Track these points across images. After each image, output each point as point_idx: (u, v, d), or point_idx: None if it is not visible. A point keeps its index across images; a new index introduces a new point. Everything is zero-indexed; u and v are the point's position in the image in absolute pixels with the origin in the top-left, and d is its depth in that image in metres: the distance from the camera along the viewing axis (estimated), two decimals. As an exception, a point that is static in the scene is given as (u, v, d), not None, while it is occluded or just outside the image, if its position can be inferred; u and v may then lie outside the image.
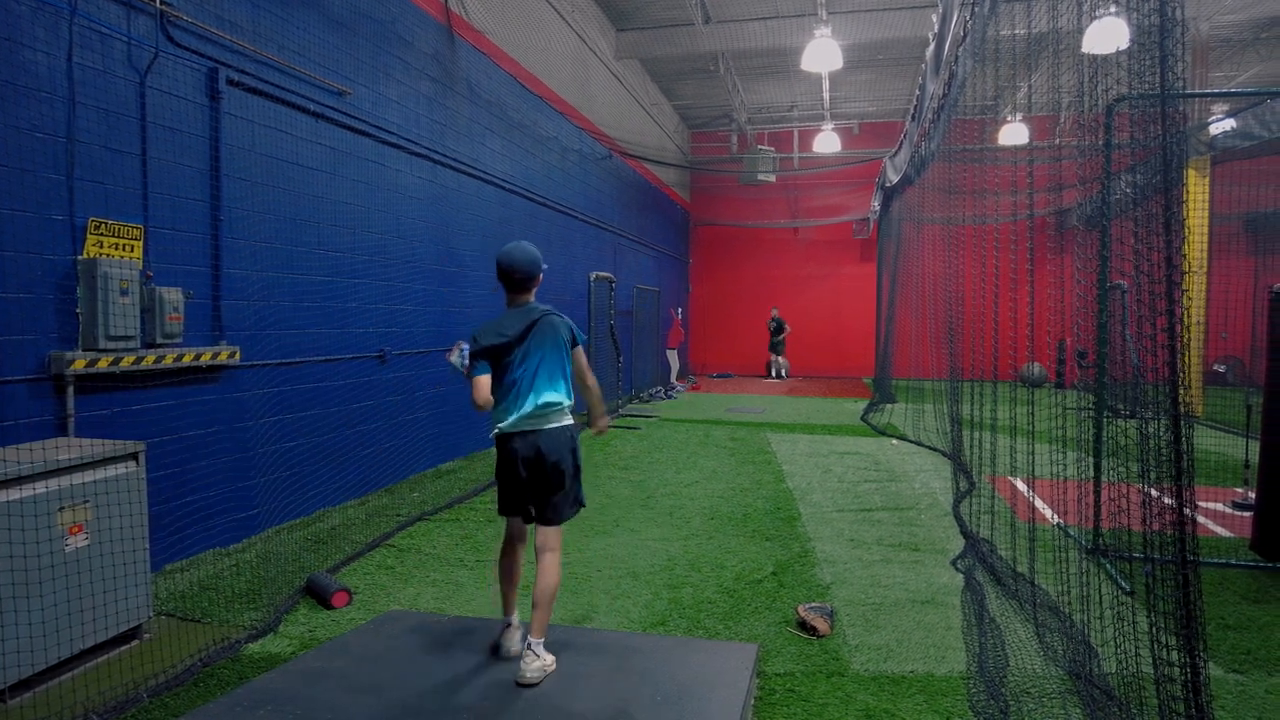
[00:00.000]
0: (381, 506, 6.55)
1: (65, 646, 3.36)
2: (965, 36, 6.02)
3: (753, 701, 3.30)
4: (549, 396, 3.32)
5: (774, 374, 20.58)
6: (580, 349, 3.52)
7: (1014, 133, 15.30)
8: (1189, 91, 9.65)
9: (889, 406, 13.59)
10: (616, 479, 7.79)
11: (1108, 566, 4.80)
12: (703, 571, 5.02)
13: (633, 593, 4.65)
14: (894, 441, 10.25)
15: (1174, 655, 2.37)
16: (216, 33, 5.25)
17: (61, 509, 3.39)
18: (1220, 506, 6.61)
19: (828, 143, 18.88)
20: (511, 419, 3.30)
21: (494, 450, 3.42)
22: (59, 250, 4.27)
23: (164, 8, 4.82)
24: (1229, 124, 11.10)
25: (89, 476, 3.55)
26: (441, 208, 8.37)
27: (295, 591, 4.52)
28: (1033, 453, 4.91)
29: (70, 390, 4.25)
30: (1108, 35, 5.95)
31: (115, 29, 4.57)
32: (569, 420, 3.41)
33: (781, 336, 20.46)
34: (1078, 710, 3.19)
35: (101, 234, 4.47)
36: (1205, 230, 11.89)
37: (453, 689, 3.06)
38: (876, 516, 6.38)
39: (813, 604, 4.31)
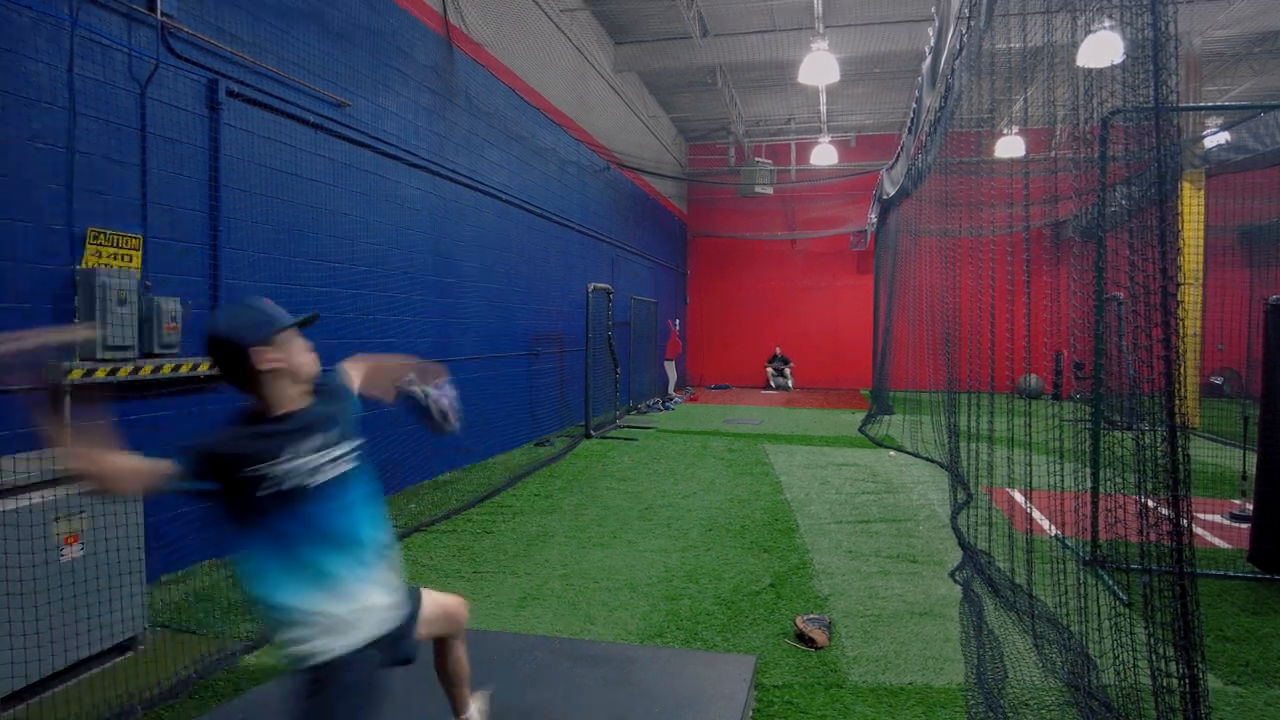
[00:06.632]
0: (378, 517, 6.52)
1: (59, 658, 3.34)
2: (961, 50, 6.06)
3: (750, 714, 3.28)
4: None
5: (776, 385, 20.75)
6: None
7: (1010, 145, 15.39)
8: (1183, 105, 9.73)
9: (886, 418, 13.59)
10: (614, 490, 7.78)
11: (1105, 578, 4.79)
12: (700, 583, 5.01)
13: (630, 604, 4.63)
14: (891, 453, 10.25)
15: (1172, 667, 2.36)
16: (216, 44, 5.28)
17: (57, 519, 3.37)
18: (1218, 518, 6.61)
19: (825, 155, 18.99)
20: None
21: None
22: (57, 260, 4.27)
23: (165, 19, 4.85)
24: (1223, 137, 11.19)
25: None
26: (440, 219, 8.39)
27: (291, 603, 4.49)
28: (1030, 464, 4.91)
29: (67, 400, 4.24)
30: (1102, 49, 5.99)
31: (116, 40, 4.59)
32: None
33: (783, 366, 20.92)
34: (1076, 722, 3.18)
35: (100, 244, 4.47)
36: (1200, 242, 11.95)
37: (449, 701, 3.04)
38: (874, 528, 6.37)
39: (811, 615, 4.30)
